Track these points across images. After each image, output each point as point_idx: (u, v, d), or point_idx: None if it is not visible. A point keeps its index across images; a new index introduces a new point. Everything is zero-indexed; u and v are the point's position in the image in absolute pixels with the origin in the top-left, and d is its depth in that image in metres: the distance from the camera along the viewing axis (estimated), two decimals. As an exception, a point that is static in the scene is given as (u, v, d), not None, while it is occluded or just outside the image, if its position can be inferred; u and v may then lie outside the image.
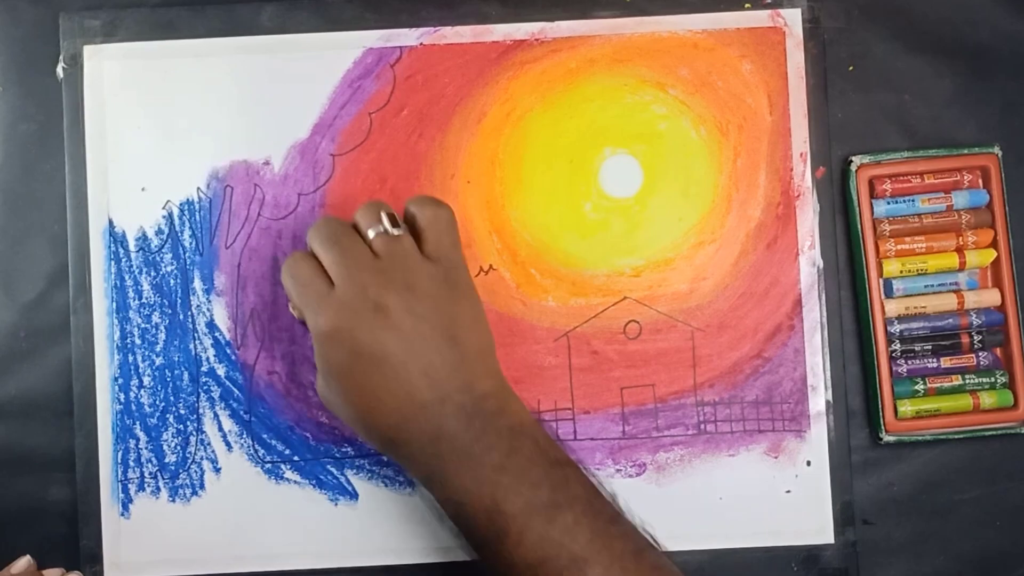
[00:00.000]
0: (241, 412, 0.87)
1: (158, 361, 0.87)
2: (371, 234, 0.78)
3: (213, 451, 0.87)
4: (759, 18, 0.88)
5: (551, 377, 0.87)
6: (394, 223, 0.78)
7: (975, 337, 0.88)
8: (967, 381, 0.88)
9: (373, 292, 0.75)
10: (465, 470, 0.74)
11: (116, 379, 0.87)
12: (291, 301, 0.80)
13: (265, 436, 0.87)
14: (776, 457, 0.87)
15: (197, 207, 0.88)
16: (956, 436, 0.87)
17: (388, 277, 0.75)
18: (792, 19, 0.88)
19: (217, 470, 0.87)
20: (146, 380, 0.87)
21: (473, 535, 0.75)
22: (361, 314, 0.74)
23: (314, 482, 0.87)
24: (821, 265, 0.87)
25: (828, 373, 0.87)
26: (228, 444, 0.87)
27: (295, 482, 0.87)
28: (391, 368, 0.74)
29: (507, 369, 0.86)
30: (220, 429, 0.87)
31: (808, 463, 0.87)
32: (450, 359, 0.75)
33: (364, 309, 0.74)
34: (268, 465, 0.87)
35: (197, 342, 0.87)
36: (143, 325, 0.87)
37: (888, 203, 0.88)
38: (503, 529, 0.72)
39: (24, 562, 0.79)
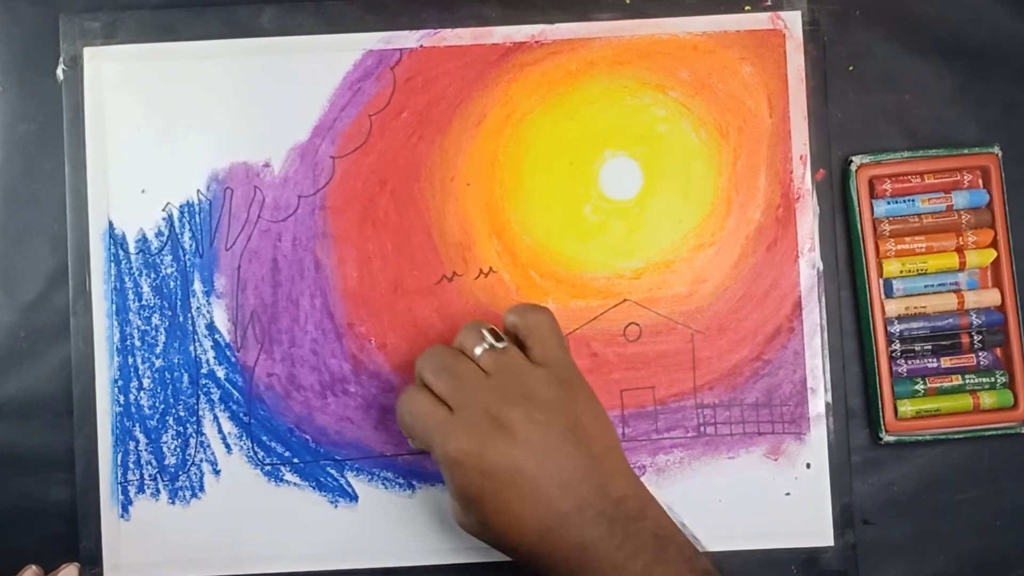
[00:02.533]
0: (241, 414, 0.87)
1: (158, 363, 0.87)
2: (478, 352, 0.77)
3: (213, 453, 0.87)
4: (759, 20, 0.88)
5: (551, 379, 0.87)
6: (497, 338, 0.78)
7: (975, 337, 0.88)
8: (967, 381, 0.88)
9: (494, 409, 0.74)
10: None
11: (116, 381, 0.87)
12: (412, 437, 0.79)
13: (265, 438, 0.87)
14: (776, 459, 0.87)
15: (197, 209, 0.88)
16: (956, 436, 0.87)
17: (505, 391, 0.74)
18: (792, 21, 0.88)
19: (217, 472, 0.87)
20: (146, 382, 0.87)
21: None
22: (486, 433, 0.73)
23: (314, 484, 0.87)
24: (821, 267, 0.87)
25: (828, 375, 0.87)
26: (228, 446, 0.87)
27: (295, 484, 0.87)
28: (526, 483, 0.73)
29: (507, 371, 0.87)
30: (220, 431, 0.87)
31: (808, 465, 0.87)
32: (581, 463, 0.73)
33: (488, 428, 0.73)
34: (268, 467, 0.87)
35: (197, 344, 0.87)
36: (143, 327, 0.87)
37: (888, 203, 0.88)
38: None
39: (31, 573, 0.79)
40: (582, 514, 0.72)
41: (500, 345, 0.77)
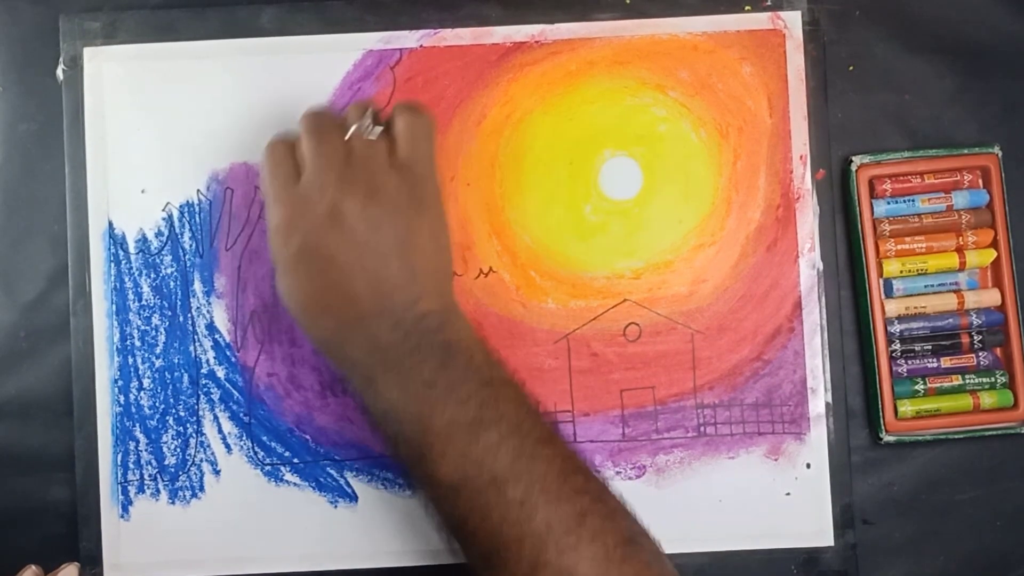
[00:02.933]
0: (241, 414, 0.87)
1: (158, 363, 0.87)
2: (350, 132, 0.77)
3: (213, 453, 0.87)
4: (759, 20, 0.88)
5: (551, 379, 0.88)
6: (376, 122, 0.78)
7: (975, 337, 0.88)
8: (967, 381, 0.88)
9: (332, 194, 0.74)
10: (395, 381, 0.74)
11: (116, 381, 0.87)
12: (261, 179, 0.79)
13: (265, 438, 0.87)
14: (776, 459, 0.87)
15: (197, 209, 0.88)
16: (956, 436, 0.87)
17: (353, 180, 0.75)
18: (792, 21, 0.88)
19: (217, 472, 0.87)
20: (146, 382, 0.87)
21: (400, 450, 0.75)
22: (315, 214, 0.74)
23: (314, 484, 0.87)
24: (821, 267, 0.87)
25: (828, 375, 0.87)
26: (228, 446, 0.87)
27: (295, 484, 0.87)
28: (337, 272, 0.74)
29: (507, 371, 0.87)
30: (220, 431, 0.87)
31: (808, 465, 0.87)
32: (398, 274, 0.75)
33: (320, 209, 0.74)
34: (268, 467, 0.87)
35: (197, 344, 0.87)
36: (143, 327, 0.87)
37: (888, 203, 0.88)
38: (428, 444, 0.72)
39: (31, 573, 0.79)
40: (381, 319, 0.74)
41: (372, 133, 0.77)
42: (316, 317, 0.76)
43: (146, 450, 0.87)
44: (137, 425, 0.87)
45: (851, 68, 0.90)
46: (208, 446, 0.87)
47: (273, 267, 0.77)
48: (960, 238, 0.88)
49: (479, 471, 0.71)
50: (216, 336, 0.87)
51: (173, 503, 0.87)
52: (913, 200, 0.88)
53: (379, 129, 0.78)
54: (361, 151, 0.76)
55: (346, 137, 0.77)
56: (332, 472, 0.87)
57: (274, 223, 0.76)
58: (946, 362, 0.88)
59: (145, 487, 0.87)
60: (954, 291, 0.88)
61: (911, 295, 0.88)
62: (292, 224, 0.75)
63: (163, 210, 0.88)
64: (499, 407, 0.73)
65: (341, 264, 0.74)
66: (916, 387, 0.87)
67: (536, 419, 0.74)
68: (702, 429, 0.87)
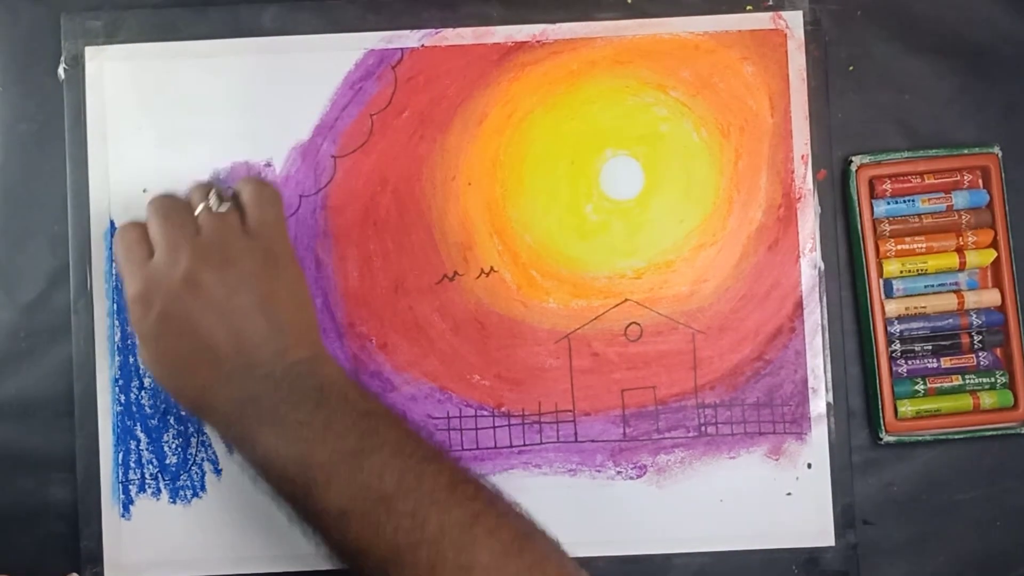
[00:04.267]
0: (242, 414, 0.87)
1: (159, 362, 0.87)
2: (198, 210, 0.79)
3: (214, 452, 0.87)
4: (760, 20, 0.88)
5: (552, 379, 0.88)
6: (221, 200, 0.80)
7: (975, 337, 0.88)
8: (967, 381, 0.88)
9: (187, 266, 0.76)
10: (271, 429, 0.75)
11: (117, 380, 0.87)
12: (116, 264, 0.82)
13: (266, 438, 0.87)
14: (777, 459, 0.87)
15: (198, 208, 0.88)
16: (956, 436, 0.87)
17: (206, 253, 0.77)
18: (794, 21, 0.88)
19: (218, 471, 0.87)
20: (147, 381, 0.87)
21: (284, 491, 0.76)
22: (172, 285, 0.76)
23: (315, 484, 0.87)
24: (822, 267, 0.87)
25: (829, 375, 0.87)
26: (229, 446, 0.87)
27: (296, 484, 0.87)
28: (199, 335, 0.76)
29: (507, 371, 0.87)
30: (221, 431, 0.87)
31: (809, 465, 0.87)
32: (263, 330, 0.77)
33: (176, 281, 0.76)
34: (269, 467, 0.87)
35: (198, 343, 0.87)
36: (144, 326, 0.87)
37: (888, 203, 0.88)
38: (312, 479, 0.73)
39: None
40: (249, 372, 0.76)
41: (220, 209, 0.80)
42: (184, 379, 0.78)
43: (147, 449, 0.87)
44: (138, 424, 0.87)
45: (851, 68, 0.90)
46: (209, 445, 0.87)
47: (138, 341, 0.79)
48: (960, 238, 0.88)
49: (367, 493, 0.73)
50: (217, 335, 0.87)
51: (174, 502, 0.87)
52: (913, 200, 0.88)
53: (227, 204, 0.80)
54: (211, 223, 0.79)
55: (195, 214, 0.79)
56: (333, 471, 0.87)
57: (131, 295, 0.78)
58: (946, 362, 0.88)
59: (146, 486, 0.87)
60: (954, 291, 0.88)
61: (911, 295, 0.88)
62: (149, 296, 0.77)
63: (164, 209, 0.88)
64: (380, 434, 0.75)
65: (203, 327, 0.76)
66: (916, 387, 0.87)
67: (418, 441, 0.77)
68: (703, 429, 0.87)
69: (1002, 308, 0.88)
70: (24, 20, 0.89)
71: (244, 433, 0.76)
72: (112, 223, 0.87)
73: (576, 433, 0.87)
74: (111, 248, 0.87)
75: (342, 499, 0.73)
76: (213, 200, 0.79)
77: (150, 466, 0.87)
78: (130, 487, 0.87)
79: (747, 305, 0.88)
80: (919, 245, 0.88)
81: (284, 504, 0.76)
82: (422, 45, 0.88)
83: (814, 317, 0.87)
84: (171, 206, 0.80)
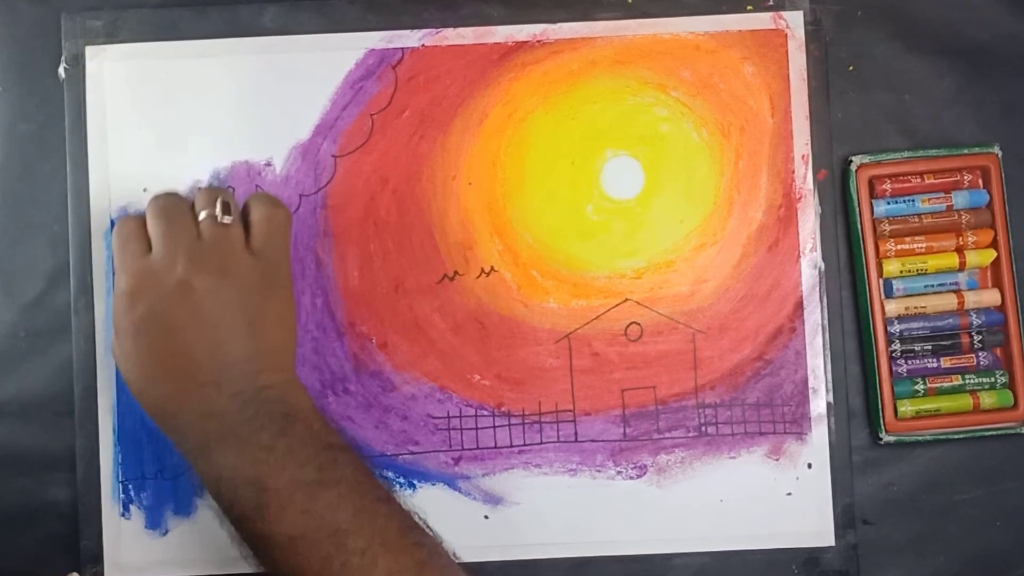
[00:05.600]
0: (242, 413, 0.87)
1: (159, 362, 0.87)
2: (202, 216, 0.80)
3: (214, 453, 0.87)
4: (761, 20, 0.88)
5: (552, 379, 0.88)
6: (226, 211, 0.80)
7: (975, 337, 0.88)
8: (967, 381, 0.88)
9: (182, 269, 0.77)
10: (231, 447, 0.75)
11: (117, 380, 0.87)
12: (114, 254, 0.81)
13: (266, 438, 0.87)
14: (777, 459, 0.87)
15: (199, 208, 0.88)
16: (956, 436, 0.87)
17: (203, 259, 0.77)
18: (794, 21, 0.88)
19: (218, 471, 0.87)
20: (147, 381, 0.87)
21: (233, 510, 0.76)
22: (164, 285, 0.77)
23: (315, 484, 0.87)
24: (822, 267, 0.87)
25: (829, 375, 0.87)
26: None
27: (296, 483, 0.87)
28: (179, 341, 0.76)
29: (508, 371, 0.87)
30: (221, 430, 0.87)
31: (809, 465, 0.87)
32: (242, 348, 0.77)
33: (169, 282, 0.77)
34: (269, 466, 0.87)
35: (198, 343, 0.87)
36: (144, 326, 0.87)
37: (888, 203, 0.88)
38: (264, 503, 0.74)
39: None
40: (220, 388, 0.76)
41: (225, 219, 0.80)
42: (153, 382, 0.78)
43: (147, 449, 0.87)
44: (138, 424, 0.87)
45: (851, 68, 0.90)
46: (209, 446, 0.87)
47: (115, 335, 0.79)
48: (960, 238, 0.88)
49: (319, 524, 0.73)
50: (217, 335, 0.87)
51: (174, 502, 0.87)
52: (913, 200, 0.88)
53: (231, 217, 0.80)
54: (213, 233, 0.79)
55: (200, 219, 0.80)
56: (333, 471, 0.87)
57: (120, 289, 0.78)
58: (946, 362, 0.88)
59: (146, 486, 0.87)
60: (954, 291, 0.88)
61: (911, 295, 0.88)
62: (139, 291, 0.77)
63: (164, 209, 0.88)
64: (338, 469, 0.76)
65: (185, 333, 0.76)
66: (916, 387, 0.87)
67: (373, 481, 0.77)
68: (703, 429, 0.87)
69: (1002, 308, 0.88)
70: (24, 20, 0.89)
71: (202, 447, 0.76)
72: (112, 223, 0.87)
73: (576, 433, 0.87)
74: (111, 247, 0.87)
75: (294, 527, 0.73)
76: (219, 210, 0.79)
77: (150, 466, 0.87)
78: (130, 487, 0.87)
79: (747, 305, 0.88)
80: (919, 245, 0.88)
81: (229, 523, 0.77)
82: (423, 45, 0.88)
83: (814, 317, 0.87)
84: (174, 206, 0.80)
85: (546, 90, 0.88)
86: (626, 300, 0.88)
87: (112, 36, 0.88)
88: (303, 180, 0.88)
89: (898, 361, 0.88)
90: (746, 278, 0.88)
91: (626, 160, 0.88)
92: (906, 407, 0.87)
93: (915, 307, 0.88)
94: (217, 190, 0.81)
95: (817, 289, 0.87)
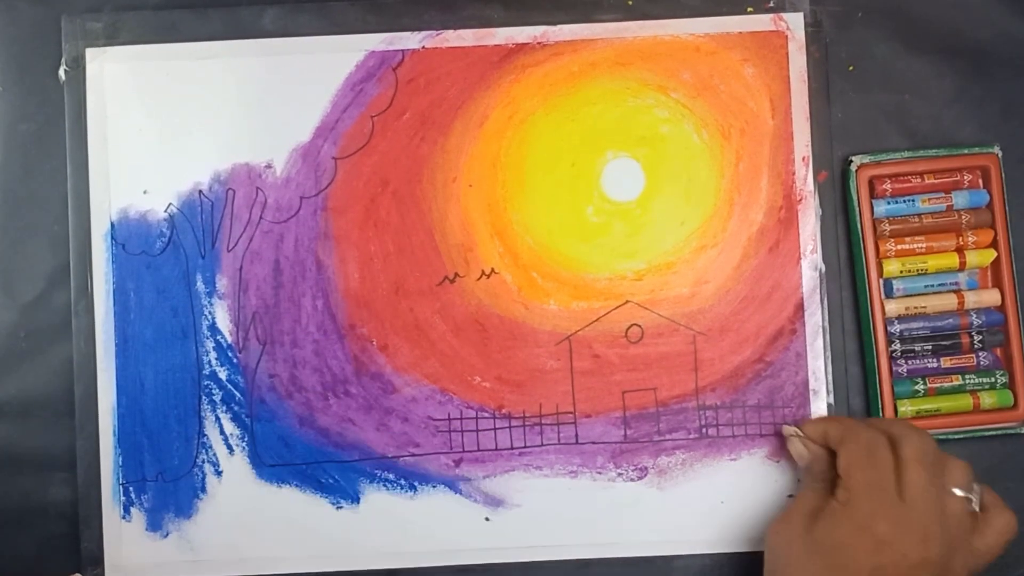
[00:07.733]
0: (243, 415, 0.87)
1: (160, 364, 0.87)
2: (957, 492, 0.76)
3: (215, 454, 0.87)
4: (761, 22, 0.88)
5: (552, 381, 0.88)
6: (971, 490, 0.77)
7: (975, 337, 0.88)
8: (967, 381, 0.88)
9: (936, 549, 0.74)
10: None
11: (117, 382, 0.87)
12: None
13: (266, 439, 0.87)
14: (778, 461, 0.87)
15: (199, 210, 0.88)
16: (956, 436, 0.88)
17: (925, 527, 0.74)
18: (794, 23, 0.88)
19: (219, 473, 0.87)
20: (147, 383, 0.87)
21: None
22: (863, 533, 0.75)
23: (315, 486, 0.87)
24: (823, 269, 0.87)
25: (830, 377, 0.87)
26: (230, 447, 0.87)
27: (296, 485, 0.87)
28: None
29: (508, 373, 0.87)
30: (222, 432, 0.87)
31: (810, 467, 0.87)
32: None
33: (911, 564, 0.74)
34: (269, 468, 0.87)
35: (199, 345, 0.87)
36: (145, 328, 0.87)
37: (888, 203, 0.88)
38: None
39: None
40: None
41: (972, 497, 0.77)
42: None
43: (148, 450, 0.87)
44: (139, 427, 0.87)
45: (851, 68, 0.90)
46: (210, 447, 0.87)
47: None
48: (960, 238, 0.88)
49: None
50: (218, 337, 0.87)
51: (175, 504, 0.87)
52: (913, 200, 0.88)
53: (977, 496, 0.77)
54: (962, 521, 0.76)
55: (955, 492, 0.77)
56: (334, 473, 0.87)
57: (869, 527, 0.75)
58: (946, 362, 0.88)
59: (147, 487, 0.87)
60: (954, 291, 0.88)
61: (911, 295, 0.88)
62: (890, 541, 0.74)
63: (165, 211, 0.88)
64: None
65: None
66: (916, 387, 0.87)
67: None
68: (704, 431, 0.88)
69: (1002, 308, 0.88)
70: (24, 21, 0.89)
71: None
72: (112, 224, 0.87)
73: (577, 435, 0.87)
74: (111, 248, 0.87)
75: None
76: (976, 498, 0.77)
77: (151, 468, 0.87)
78: (131, 489, 0.87)
79: (748, 307, 0.88)
80: (919, 245, 0.88)
81: None
82: (423, 47, 0.88)
83: (815, 319, 0.87)
84: (887, 459, 0.77)
85: (546, 92, 0.88)
86: (627, 302, 0.88)
87: (112, 38, 0.88)
88: (303, 182, 0.88)
89: (898, 361, 0.88)
90: (747, 280, 0.88)
91: (626, 162, 0.88)
92: (906, 407, 0.87)
93: (915, 307, 0.88)
94: (968, 468, 0.78)
95: (818, 291, 0.87)
